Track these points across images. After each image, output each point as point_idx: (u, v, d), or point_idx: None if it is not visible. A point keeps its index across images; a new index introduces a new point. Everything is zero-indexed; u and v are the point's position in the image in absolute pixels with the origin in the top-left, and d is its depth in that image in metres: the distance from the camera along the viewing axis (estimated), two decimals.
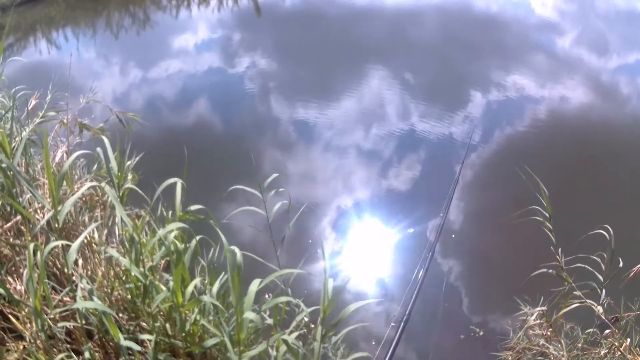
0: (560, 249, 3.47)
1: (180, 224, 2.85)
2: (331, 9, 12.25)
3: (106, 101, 6.65)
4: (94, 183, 3.47)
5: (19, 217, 3.43)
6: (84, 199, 4.30)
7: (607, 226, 3.29)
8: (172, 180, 3.05)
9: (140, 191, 3.30)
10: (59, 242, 2.76)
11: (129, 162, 3.59)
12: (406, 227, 5.82)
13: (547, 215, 3.40)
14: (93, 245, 3.59)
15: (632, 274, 3.14)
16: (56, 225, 2.74)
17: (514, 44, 10.80)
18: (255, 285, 2.49)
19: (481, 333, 4.60)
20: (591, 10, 13.37)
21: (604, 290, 3.14)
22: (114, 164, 3.08)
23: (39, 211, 3.73)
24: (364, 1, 12.92)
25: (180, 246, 2.76)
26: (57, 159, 4.59)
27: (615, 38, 11.54)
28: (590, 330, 3.34)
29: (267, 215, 3.37)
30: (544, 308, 3.58)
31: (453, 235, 5.73)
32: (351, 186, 6.58)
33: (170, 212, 3.23)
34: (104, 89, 8.58)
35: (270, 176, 3.50)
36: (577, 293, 3.30)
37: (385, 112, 8.05)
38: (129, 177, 3.69)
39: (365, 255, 5.55)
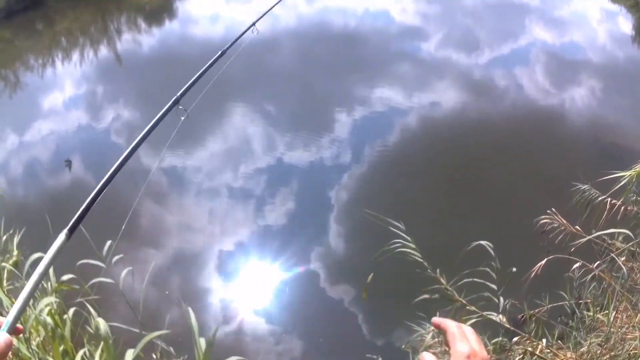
0: (438, 270, 3.38)
1: (52, 299, 2.75)
2: (190, 49, 11.83)
3: None
4: None
5: None
6: None
7: (486, 242, 3.24)
8: (37, 254, 2.92)
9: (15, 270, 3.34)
10: None
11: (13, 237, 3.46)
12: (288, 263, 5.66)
13: (413, 246, 3.32)
14: None
15: (533, 273, 3.17)
16: None
17: (377, 57, 10.72)
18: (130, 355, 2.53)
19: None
20: (457, 8, 13.63)
21: (501, 298, 3.14)
22: None
23: None
24: (221, 37, 12.72)
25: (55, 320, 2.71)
26: None
27: (485, 32, 11.73)
28: (497, 339, 3.30)
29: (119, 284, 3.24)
30: None
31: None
32: (225, 229, 6.33)
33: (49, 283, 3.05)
34: None
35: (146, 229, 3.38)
36: (471, 308, 3.25)
37: (251, 149, 7.84)
38: (14, 253, 3.49)
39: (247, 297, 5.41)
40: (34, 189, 7.33)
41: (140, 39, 13.48)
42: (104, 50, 12.87)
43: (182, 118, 2.05)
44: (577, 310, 3.29)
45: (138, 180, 4.13)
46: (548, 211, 3.47)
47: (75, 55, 12.60)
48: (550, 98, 8.98)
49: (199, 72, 2.15)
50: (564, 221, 3.38)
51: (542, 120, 8.16)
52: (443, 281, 3.33)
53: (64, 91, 10.79)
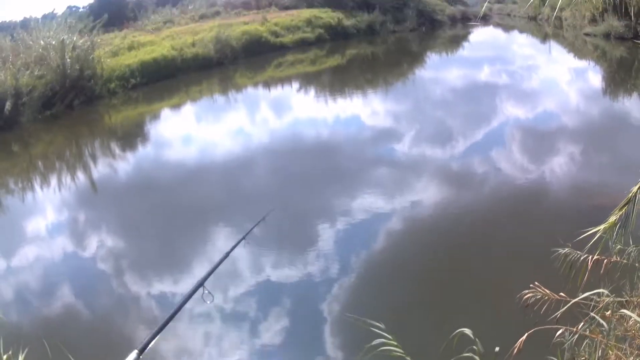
0: None
1: None
2: (164, 174, 12.33)
3: None
4: None
5: None
6: None
7: (467, 330, 3.36)
8: None
9: None
10: None
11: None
12: None
13: (394, 343, 3.43)
14: None
15: (515, 349, 3.27)
16: None
17: (352, 164, 10.96)
18: None
19: None
20: (425, 101, 13.83)
21: None
22: None
23: None
24: (195, 160, 13.13)
25: None
26: None
27: (456, 121, 12.15)
28: None
29: None
30: None
31: None
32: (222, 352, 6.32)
33: None
34: None
35: None
36: None
37: (236, 269, 7.88)
38: None
39: None
40: (29, 312, 7.23)
41: (114, 164, 13.85)
42: (80, 175, 13.16)
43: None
44: None
45: None
46: (531, 285, 3.62)
47: (53, 180, 12.93)
48: (527, 174, 9.41)
49: None
50: (547, 291, 3.53)
51: (520, 198, 8.56)
52: None
53: (46, 216, 10.92)
